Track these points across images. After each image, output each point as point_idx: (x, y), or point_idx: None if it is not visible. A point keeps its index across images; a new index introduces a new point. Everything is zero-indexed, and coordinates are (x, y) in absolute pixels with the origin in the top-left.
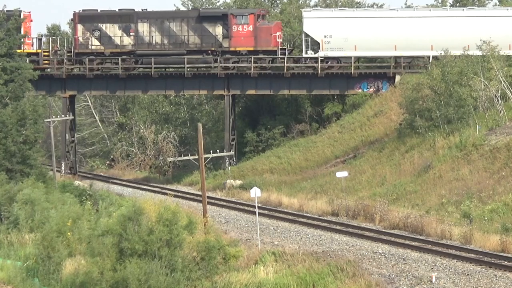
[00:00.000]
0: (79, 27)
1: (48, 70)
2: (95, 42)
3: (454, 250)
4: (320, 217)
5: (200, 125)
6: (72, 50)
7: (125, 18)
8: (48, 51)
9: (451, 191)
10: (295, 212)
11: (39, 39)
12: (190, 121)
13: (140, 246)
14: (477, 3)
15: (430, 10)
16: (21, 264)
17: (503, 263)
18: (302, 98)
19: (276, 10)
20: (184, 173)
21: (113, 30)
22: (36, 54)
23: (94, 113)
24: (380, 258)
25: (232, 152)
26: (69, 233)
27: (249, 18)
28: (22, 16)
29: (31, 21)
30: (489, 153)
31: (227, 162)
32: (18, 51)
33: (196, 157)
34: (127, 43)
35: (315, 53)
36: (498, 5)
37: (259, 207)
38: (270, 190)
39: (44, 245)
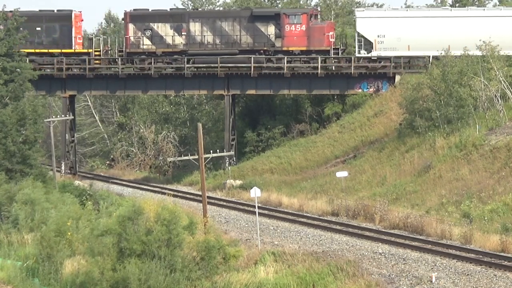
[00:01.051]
0: (130, 26)
1: (100, 70)
2: (147, 41)
3: (454, 250)
4: (320, 217)
5: (200, 125)
6: (124, 49)
7: (177, 18)
8: (99, 51)
9: (451, 191)
10: (295, 212)
11: (90, 39)
12: (190, 121)
13: (138, 246)
14: (477, 3)
15: (484, 9)
16: (21, 264)
17: (503, 263)
18: (302, 98)
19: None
20: (184, 173)
21: (164, 29)
22: (88, 53)
23: (94, 113)
24: (380, 258)
25: (232, 152)
26: (69, 233)
27: (302, 18)
28: (73, 16)
29: (82, 20)
30: (489, 153)
31: (227, 162)
32: (69, 50)
33: (196, 157)
34: (179, 43)
35: (368, 53)
36: (498, 5)
37: (259, 207)
38: (270, 190)
39: (44, 245)
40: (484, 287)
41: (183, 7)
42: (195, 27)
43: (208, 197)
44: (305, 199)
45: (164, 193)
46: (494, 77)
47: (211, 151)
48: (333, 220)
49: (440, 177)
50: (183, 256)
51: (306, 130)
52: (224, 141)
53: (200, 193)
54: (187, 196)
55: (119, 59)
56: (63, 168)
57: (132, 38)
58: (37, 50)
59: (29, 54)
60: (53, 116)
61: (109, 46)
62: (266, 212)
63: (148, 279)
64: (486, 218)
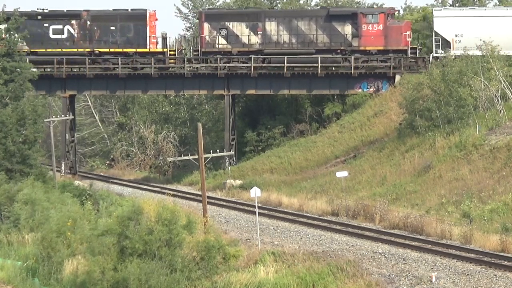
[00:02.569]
0: (206, 25)
1: (174, 69)
2: (222, 41)
3: (454, 250)
4: (320, 217)
5: (200, 125)
6: (199, 49)
7: (253, 17)
8: (174, 50)
9: (451, 191)
10: (295, 212)
11: (164, 38)
12: (190, 121)
13: (140, 245)
14: (477, 3)
15: None
16: (21, 264)
17: (503, 263)
18: (302, 98)
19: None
20: (184, 173)
21: (240, 28)
22: (162, 53)
23: (94, 113)
24: (380, 258)
25: (232, 152)
26: (69, 233)
27: (379, 17)
28: (147, 15)
29: (156, 19)
30: (489, 153)
31: (227, 162)
32: (144, 50)
33: (196, 157)
34: (255, 42)
35: (445, 53)
36: (498, 5)
37: (259, 207)
38: (270, 190)
39: (44, 245)
40: (484, 287)
41: (258, 6)
42: (271, 26)
43: (208, 197)
44: (305, 199)
45: (164, 193)
46: (494, 77)
47: (211, 151)
48: (333, 220)
49: (440, 177)
50: (183, 256)
51: (306, 130)
52: (224, 141)
53: (200, 193)
54: (187, 196)
55: (193, 58)
56: (63, 168)
57: (207, 38)
58: (112, 50)
59: (103, 53)
60: (53, 116)
61: (182, 45)
62: (266, 212)
63: (148, 279)
64: (486, 218)
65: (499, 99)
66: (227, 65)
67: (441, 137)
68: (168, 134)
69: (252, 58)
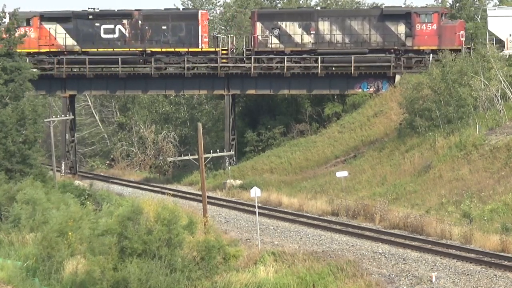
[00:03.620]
0: (258, 25)
1: (226, 68)
2: (275, 40)
3: (454, 250)
4: (320, 217)
5: (200, 125)
6: (252, 48)
7: (306, 16)
8: (226, 50)
9: (451, 191)
10: (295, 212)
11: (215, 38)
12: (190, 121)
13: (139, 245)
14: (477, 3)
15: None
16: (21, 264)
17: (503, 263)
18: (302, 98)
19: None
20: (184, 173)
21: (293, 28)
22: (214, 52)
23: (94, 113)
24: (380, 258)
25: (232, 152)
26: (69, 233)
27: (433, 17)
28: (199, 15)
29: (208, 19)
30: (489, 153)
31: (227, 162)
32: (196, 49)
33: (196, 157)
34: (307, 42)
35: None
36: (498, 5)
37: (259, 207)
38: (270, 190)
39: (45, 244)
40: (484, 287)
41: (311, 6)
42: (324, 26)
43: (208, 197)
44: (305, 199)
45: (164, 193)
46: (494, 76)
47: (211, 151)
48: (333, 220)
49: (440, 177)
50: (183, 256)
51: (306, 130)
52: (224, 141)
53: (200, 193)
54: (187, 196)
55: (245, 58)
56: (63, 168)
57: (260, 37)
58: (163, 49)
59: (154, 53)
60: (53, 116)
61: (234, 44)
62: (266, 212)
63: (148, 278)
64: (486, 218)
65: (499, 99)
66: (280, 64)
67: (441, 137)
68: (168, 134)
69: (252, 58)
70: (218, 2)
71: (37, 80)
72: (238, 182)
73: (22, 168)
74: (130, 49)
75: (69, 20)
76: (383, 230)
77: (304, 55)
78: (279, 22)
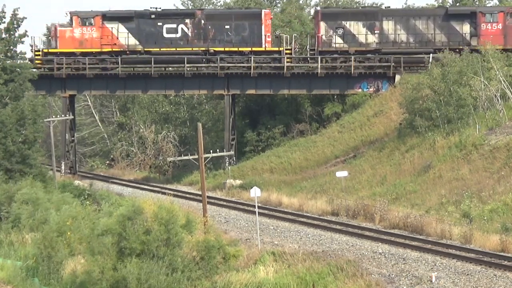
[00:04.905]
0: (322, 24)
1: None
2: (339, 40)
3: (454, 250)
4: (320, 217)
5: (200, 124)
6: (316, 48)
7: (370, 16)
8: (290, 49)
9: (451, 191)
10: (295, 212)
11: (277, 37)
12: (190, 121)
13: (138, 245)
14: (477, 3)
15: None
16: (21, 264)
17: (503, 263)
18: (302, 98)
19: (276, 9)
20: (184, 173)
21: (357, 28)
22: (278, 52)
23: (94, 112)
24: (380, 258)
25: (232, 152)
26: (69, 233)
27: (498, 16)
28: (263, 14)
29: (271, 18)
30: (489, 153)
31: (227, 162)
32: (259, 49)
33: (196, 157)
34: (372, 41)
35: None
36: (498, 5)
37: (259, 207)
38: (270, 190)
39: (45, 244)
40: (484, 287)
41: (375, 5)
42: (388, 25)
43: (208, 197)
44: (305, 199)
45: (164, 193)
46: (494, 76)
47: (211, 151)
48: (333, 220)
49: (440, 177)
50: (183, 256)
51: (306, 130)
52: (224, 141)
53: (200, 193)
54: (187, 196)
55: (309, 58)
56: (63, 168)
57: (323, 37)
58: (227, 49)
59: (217, 52)
60: (53, 116)
61: (298, 44)
62: (266, 212)
63: (148, 278)
64: (486, 218)
65: (499, 99)
66: (344, 64)
67: (441, 137)
68: (168, 134)
69: (252, 58)
70: (219, 2)
71: (37, 80)
72: (238, 182)
73: (22, 168)
74: (193, 49)
75: (131, 19)
76: (383, 230)
77: (368, 55)
78: (343, 22)
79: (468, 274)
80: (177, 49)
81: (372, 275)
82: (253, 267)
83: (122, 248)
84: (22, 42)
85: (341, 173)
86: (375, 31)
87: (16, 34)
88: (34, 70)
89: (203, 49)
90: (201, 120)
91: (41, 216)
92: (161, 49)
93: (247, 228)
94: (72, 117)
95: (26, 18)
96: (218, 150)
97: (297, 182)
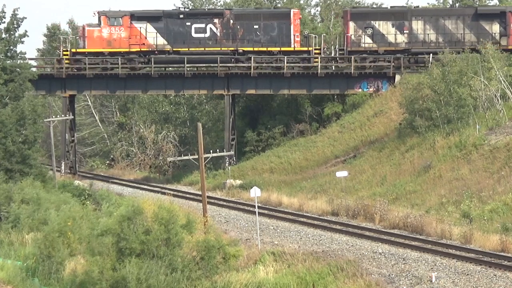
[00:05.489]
0: (351, 24)
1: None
2: (368, 40)
3: (454, 250)
4: (320, 217)
5: (200, 124)
6: (345, 47)
7: (399, 16)
8: (319, 49)
9: (451, 191)
10: (295, 212)
11: (305, 37)
12: (190, 121)
13: (137, 245)
14: (477, 3)
15: None
16: (21, 264)
17: (503, 263)
18: (302, 98)
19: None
20: (184, 173)
21: (386, 27)
22: (307, 52)
23: (94, 112)
24: (380, 258)
25: (232, 152)
26: (69, 233)
27: None
28: (291, 14)
29: (300, 18)
30: (489, 153)
31: (227, 162)
32: (288, 49)
33: (196, 157)
34: (401, 41)
35: None
36: (498, 5)
37: (259, 207)
38: (270, 190)
39: (45, 244)
40: (484, 287)
41: (405, 5)
42: (417, 25)
43: (208, 197)
44: (305, 199)
45: (164, 193)
46: (494, 77)
47: (211, 151)
48: (333, 220)
49: (440, 177)
50: (183, 256)
51: (306, 130)
52: (224, 141)
53: (200, 193)
54: (187, 196)
55: (338, 58)
56: (63, 168)
57: (352, 37)
58: (255, 49)
59: (246, 52)
60: (53, 116)
61: (326, 44)
62: (266, 212)
63: (148, 278)
64: (486, 218)
65: (499, 99)
66: (373, 64)
67: (441, 137)
68: (168, 134)
69: (252, 58)
70: (219, 2)
71: (37, 80)
72: (238, 182)
73: (22, 168)
74: (222, 49)
75: (160, 19)
76: (383, 230)
77: (398, 55)
78: (372, 22)
79: (468, 274)
80: (206, 49)
81: (372, 275)
82: (253, 267)
83: (121, 248)
84: (22, 42)
85: (341, 173)
86: (405, 31)
87: (16, 34)
88: (62, 67)
89: (232, 49)
90: (201, 120)
91: (41, 216)
92: (190, 49)
93: (247, 228)
94: (72, 117)
95: (26, 18)
96: (218, 150)
97: (297, 182)
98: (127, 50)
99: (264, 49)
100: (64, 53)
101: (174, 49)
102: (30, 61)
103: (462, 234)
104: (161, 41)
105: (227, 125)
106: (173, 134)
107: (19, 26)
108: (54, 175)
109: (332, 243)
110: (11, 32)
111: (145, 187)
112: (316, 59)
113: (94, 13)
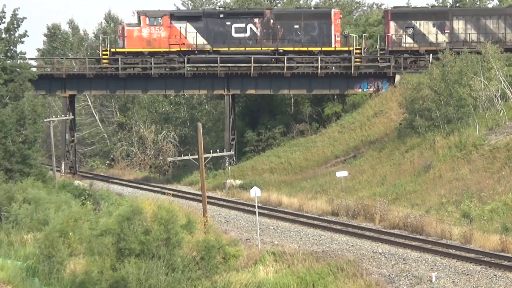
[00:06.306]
0: (392, 24)
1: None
2: (408, 39)
3: (454, 250)
4: (320, 217)
5: (200, 124)
6: (386, 47)
7: (440, 15)
8: (360, 49)
9: (451, 191)
10: (295, 212)
11: (345, 37)
12: (190, 121)
13: (137, 245)
14: (477, 3)
15: None
16: (21, 264)
17: (503, 263)
18: (302, 98)
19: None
20: (184, 173)
21: (427, 27)
22: (348, 51)
23: (94, 112)
24: (380, 258)
25: (232, 152)
26: (70, 233)
27: None
28: (332, 14)
29: (340, 18)
30: (489, 153)
31: (227, 162)
32: (329, 49)
33: (196, 156)
34: (442, 41)
35: None
36: (498, 5)
37: (259, 207)
38: (270, 190)
39: (46, 244)
40: (484, 287)
41: (445, 5)
42: (458, 25)
43: (208, 197)
44: (305, 199)
45: (164, 193)
46: (494, 77)
47: (211, 151)
48: (333, 220)
49: (440, 177)
50: (183, 256)
51: (306, 130)
52: (224, 141)
53: (200, 192)
54: (187, 196)
55: (379, 57)
56: (63, 167)
57: (393, 36)
58: (296, 48)
59: (287, 52)
60: (53, 116)
61: (366, 44)
62: (266, 212)
63: (148, 278)
64: (486, 218)
65: (499, 99)
66: (414, 64)
67: (441, 137)
68: (168, 134)
69: (252, 58)
70: (218, 2)
71: (37, 80)
72: (238, 182)
73: (22, 168)
74: (262, 48)
75: (200, 19)
76: (383, 230)
77: (438, 55)
78: (413, 21)
79: (468, 274)
80: (246, 48)
81: (372, 275)
82: (253, 267)
83: (121, 249)
84: (22, 42)
85: (341, 173)
86: (446, 31)
87: (16, 34)
88: (102, 67)
89: (272, 48)
90: (201, 120)
91: (41, 217)
92: (230, 49)
93: (247, 228)
94: (72, 117)
95: (26, 18)
96: (218, 150)
97: (297, 182)
98: (167, 50)
99: (305, 49)
100: (103, 52)
101: (214, 49)
102: (30, 61)
103: (462, 234)
104: (201, 40)
105: (227, 125)
106: (173, 134)
107: (19, 26)
108: (54, 175)
109: (332, 243)
110: (11, 32)
111: (145, 187)
112: (357, 59)
113: (134, 13)
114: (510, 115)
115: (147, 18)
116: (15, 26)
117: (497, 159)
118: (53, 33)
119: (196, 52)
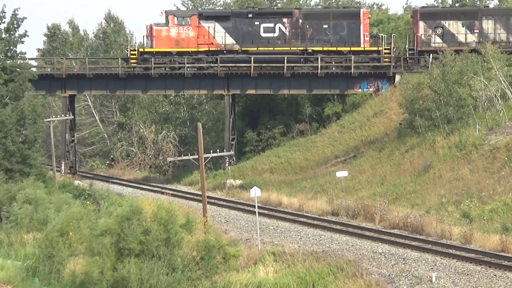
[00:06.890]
0: (421, 24)
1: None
2: (438, 39)
3: (454, 250)
4: (320, 217)
5: (200, 124)
6: (414, 47)
7: (469, 15)
8: (389, 49)
9: (451, 191)
10: (295, 212)
11: (374, 36)
12: (190, 121)
13: (136, 245)
14: (478, 3)
15: None
16: (21, 264)
17: (503, 263)
18: (302, 98)
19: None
20: (184, 173)
21: (456, 27)
22: (377, 51)
23: (94, 112)
24: (380, 258)
25: (232, 152)
26: (70, 233)
27: None
28: (361, 14)
29: (369, 18)
30: (489, 153)
31: (227, 162)
32: (358, 48)
33: (196, 156)
34: (471, 41)
35: None
36: (498, 5)
37: (259, 207)
38: (270, 190)
39: (46, 244)
40: (484, 287)
41: (475, 4)
42: (488, 25)
43: (208, 197)
44: (305, 199)
45: (164, 193)
46: (494, 77)
47: (211, 151)
48: (333, 220)
49: (440, 177)
50: (183, 256)
51: (306, 130)
52: (224, 141)
53: (200, 193)
54: (187, 196)
55: (408, 58)
56: (63, 168)
57: (422, 36)
58: (325, 48)
59: (315, 52)
60: (53, 116)
61: (396, 44)
62: (266, 212)
63: (148, 278)
64: (486, 218)
65: (499, 99)
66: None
67: (441, 137)
68: (168, 134)
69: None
70: (218, 2)
71: (37, 80)
72: (238, 182)
73: (22, 168)
74: (291, 48)
75: (228, 18)
76: (383, 230)
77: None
78: (442, 21)
79: (468, 274)
80: (275, 48)
81: (372, 275)
82: (253, 267)
83: (121, 249)
84: (22, 42)
85: (341, 173)
86: (475, 31)
87: (16, 34)
88: (129, 67)
89: (301, 48)
90: (201, 120)
91: (41, 217)
92: (259, 49)
93: (247, 228)
94: (72, 117)
95: (26, 18)
96: (218, 150)
97: (297, 182)
98: (195, 49)
99: (334, 48)
100: (132, 52)
101: (242, 49)
102: (30, 61)
103: (462, 234)
104: (229, 40)
105: (227, 125)
106: (173, 134)
107: (19, 26)
108: (54, 175)
109: (332, 243)
110: (11, 32)
111: (145, 187)
112: (387, 59)
113: (162, 13)
114: (510, 115)
115: (176, 18)
116: (15, 26)
117: (497, 159)
118: (53, 33)
119: (224, 52)
